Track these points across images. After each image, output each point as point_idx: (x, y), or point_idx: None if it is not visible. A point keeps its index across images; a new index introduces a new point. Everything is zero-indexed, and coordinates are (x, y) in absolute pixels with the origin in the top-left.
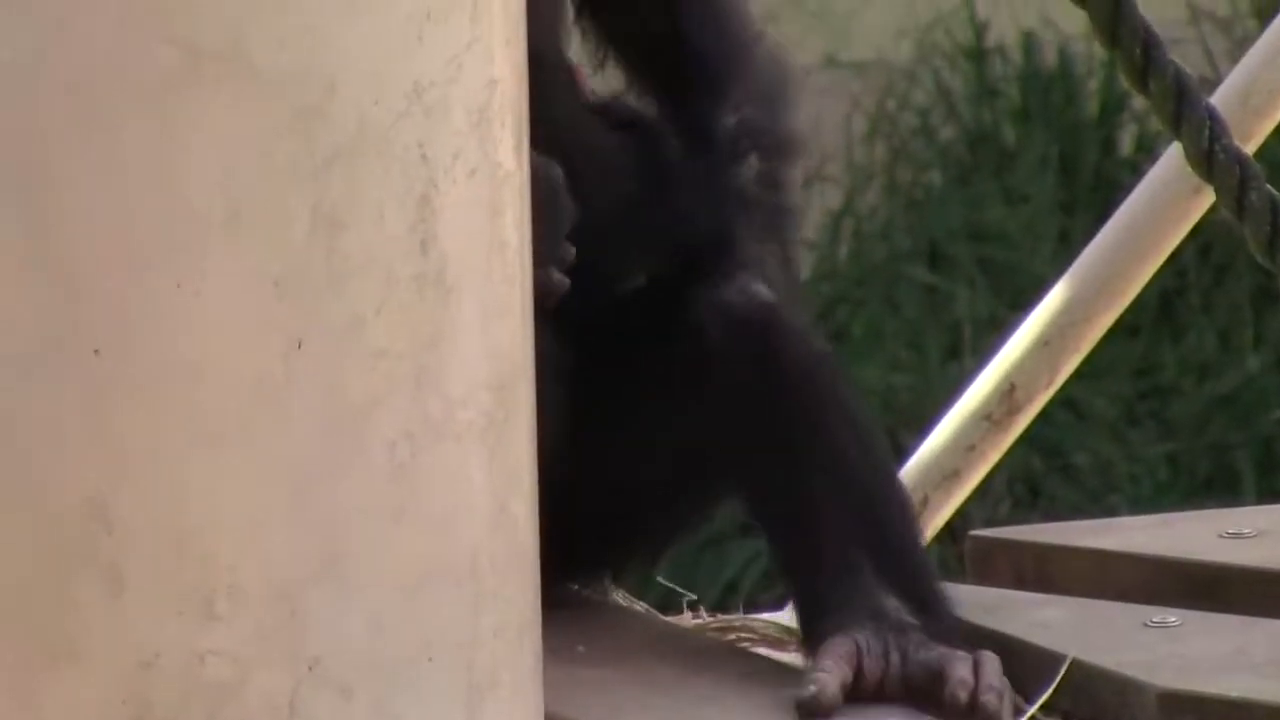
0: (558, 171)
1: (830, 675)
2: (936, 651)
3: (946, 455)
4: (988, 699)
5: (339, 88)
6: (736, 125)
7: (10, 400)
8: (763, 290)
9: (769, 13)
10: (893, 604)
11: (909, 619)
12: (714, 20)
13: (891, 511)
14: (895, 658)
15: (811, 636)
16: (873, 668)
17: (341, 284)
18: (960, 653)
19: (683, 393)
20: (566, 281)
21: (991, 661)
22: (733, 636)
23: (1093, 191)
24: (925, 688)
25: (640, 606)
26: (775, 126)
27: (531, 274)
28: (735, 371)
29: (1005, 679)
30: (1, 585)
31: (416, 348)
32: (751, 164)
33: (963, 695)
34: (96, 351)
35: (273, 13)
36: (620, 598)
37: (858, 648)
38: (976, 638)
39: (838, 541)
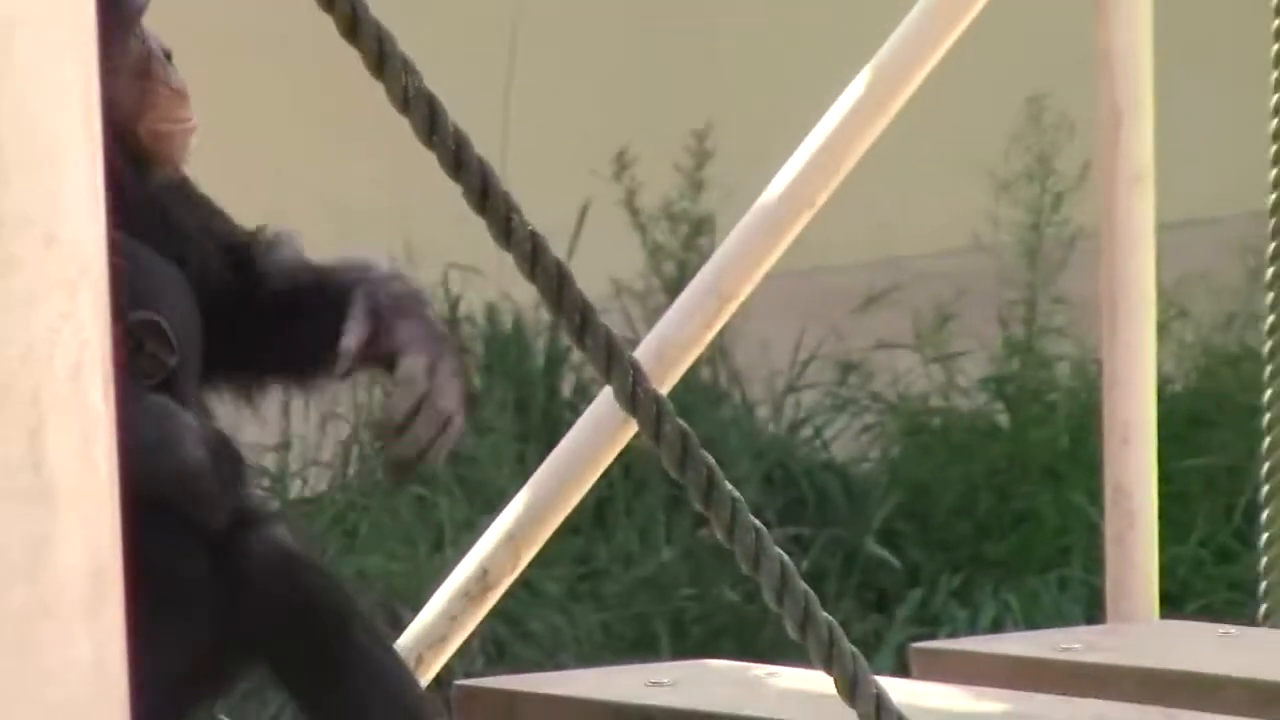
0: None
1: None
2: None
3: (435, 624)
4: None
5: None
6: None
7: None
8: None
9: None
10: None
11: None
12: None
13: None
14: None
15: None
16: None
17: None
18: None
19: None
20: None
21: None
22: None
23: (542, 425)
24: None
25: None
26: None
27: (115, 485)
28: (271, 588)
29: None
30: None
31: (34, 544)
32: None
33: None
34: None
35: None
36: None
37: None
38: None
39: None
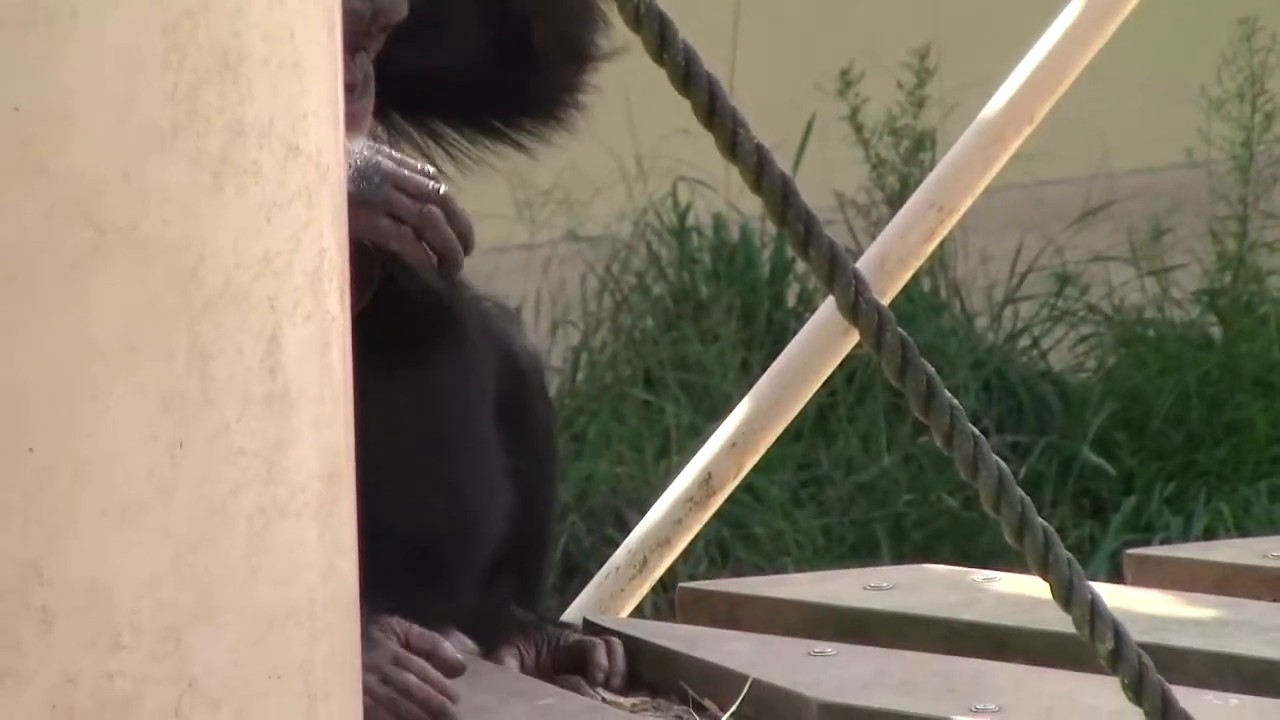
0: None
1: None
2: (576, 638)
3: (660, 528)
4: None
5: (208, 256)
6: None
7: None
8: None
9: (527, 200)
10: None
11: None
12: None
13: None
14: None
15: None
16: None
17: (211, 401)
18: (593, 639)
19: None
20: None
21: (617, 643)
22: None
23: (766, 333)
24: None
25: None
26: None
27: (350, 390)
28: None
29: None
30: None
31: (267, 448)
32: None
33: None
34: (30, 450)
35: (159, 200)
36: None
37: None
38: (683, 665)
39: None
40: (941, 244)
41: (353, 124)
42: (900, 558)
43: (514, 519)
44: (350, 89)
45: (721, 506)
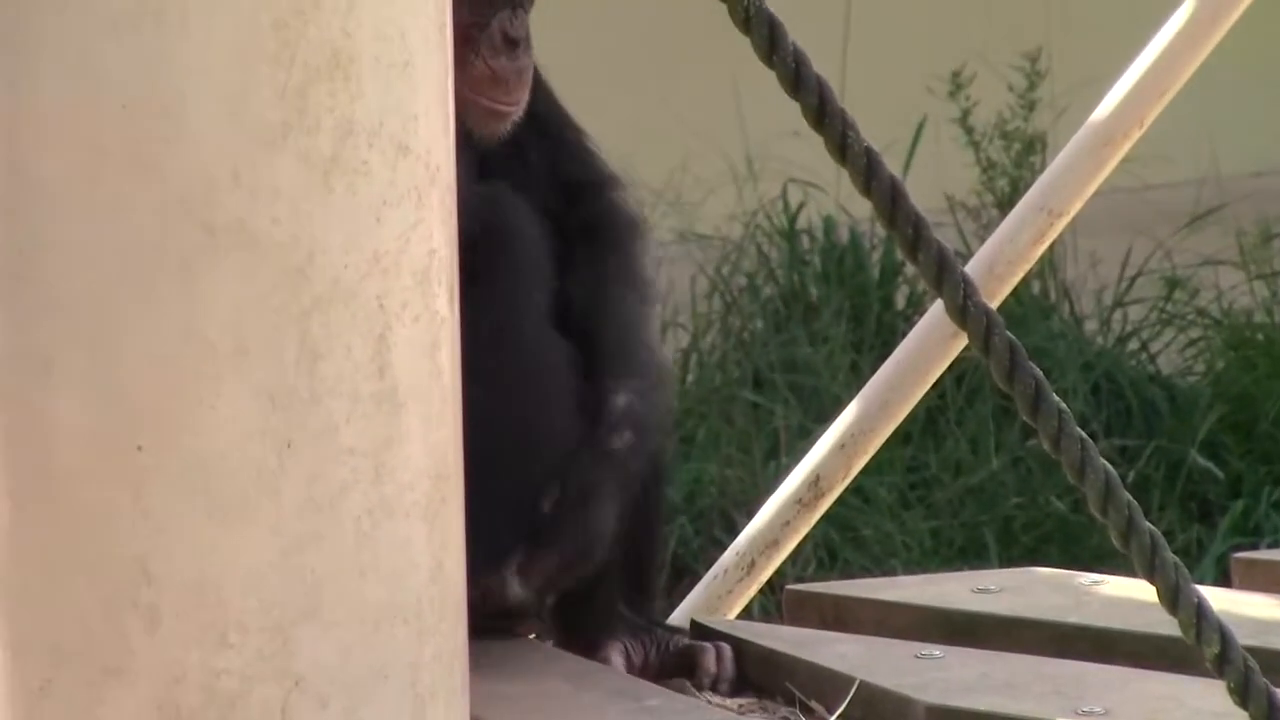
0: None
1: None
2: (685, 643)
3: (769, 529)
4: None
5: (317, 255)
6: (624, 406)
7: (78, 485)
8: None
9: (639, 200)
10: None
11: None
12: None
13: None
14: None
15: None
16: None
17: (320, 400)
18: (703, 643)
19: None
20: None
21: (726, 648)
22: None
23: (876, 335)
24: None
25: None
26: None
27: (458, 390)
28: None
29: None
30: (69, 622)
31: (376, 447)
32: (626, 437)
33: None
34: (139, 448)
35: (269, 199)
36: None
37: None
38: (790, 667)
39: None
40: (1051, 247)
41: (518, 80)
42: (1008, 561)
43: (623, 521)
44: (515, 44)
45: (830, 508)
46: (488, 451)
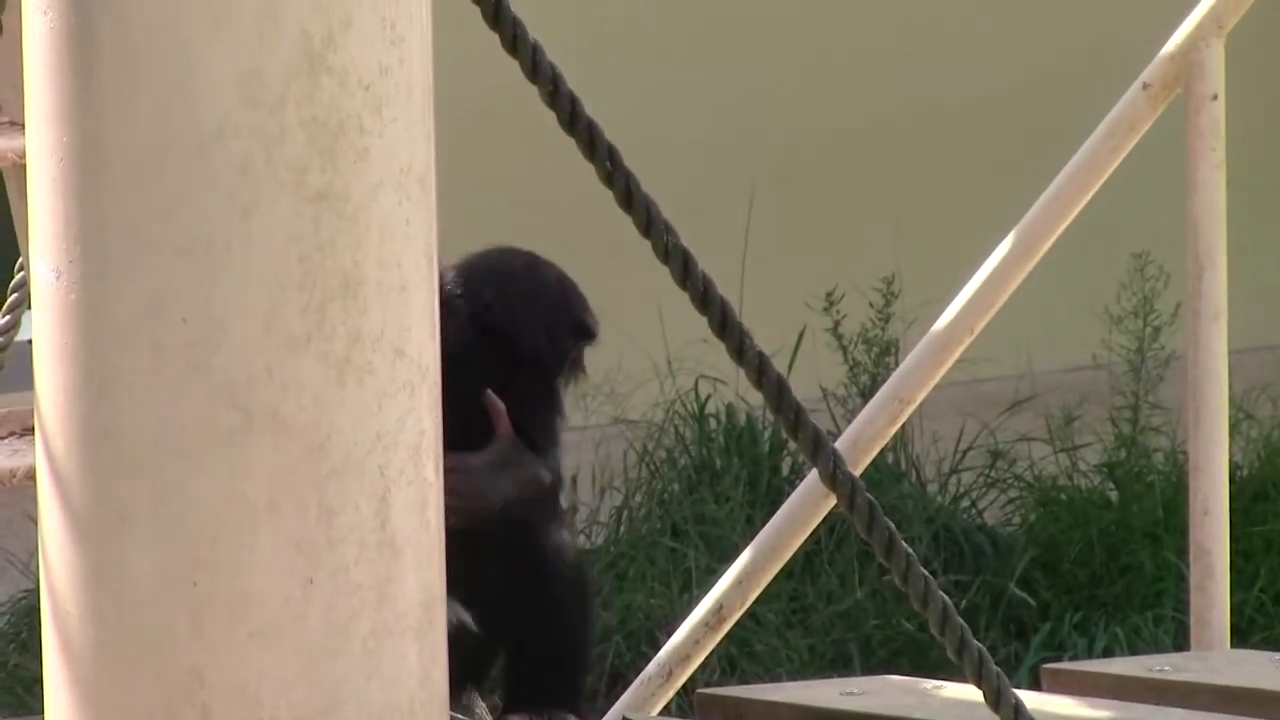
0: None
1: None
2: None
3: (683, 646)
4: None
5: (333, 434)
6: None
7: (147, 612)
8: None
9: (581, 392)
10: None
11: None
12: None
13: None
14: None
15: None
16: None
17: (335, 546)
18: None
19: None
20: None
21: None
22: None
23: (766, 496)
24: None
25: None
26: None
27: (442, 538)
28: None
29: None
30: (141, 717)
31: (379, 582)
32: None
33: None
34: (195, 584)
35: (295, 391)
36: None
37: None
38: None
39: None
40: (902, 427)
41: None
42: (869, 669)
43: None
44: None
45: (730, 629)
46: None
